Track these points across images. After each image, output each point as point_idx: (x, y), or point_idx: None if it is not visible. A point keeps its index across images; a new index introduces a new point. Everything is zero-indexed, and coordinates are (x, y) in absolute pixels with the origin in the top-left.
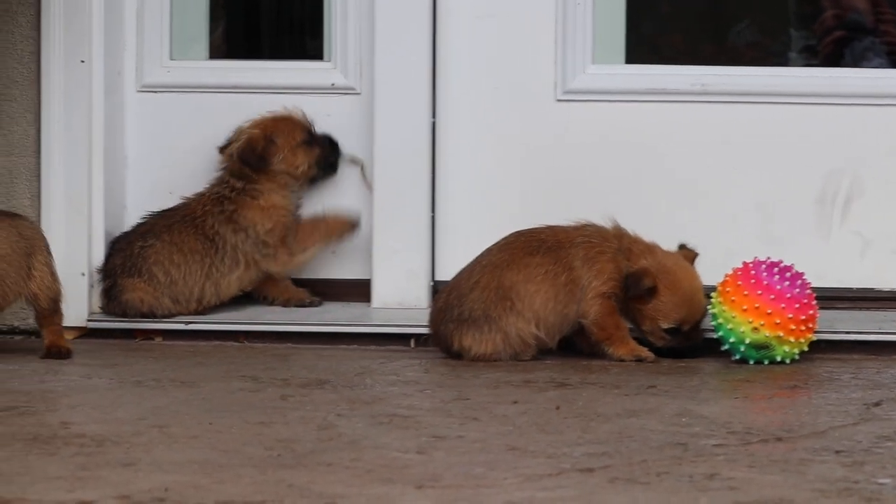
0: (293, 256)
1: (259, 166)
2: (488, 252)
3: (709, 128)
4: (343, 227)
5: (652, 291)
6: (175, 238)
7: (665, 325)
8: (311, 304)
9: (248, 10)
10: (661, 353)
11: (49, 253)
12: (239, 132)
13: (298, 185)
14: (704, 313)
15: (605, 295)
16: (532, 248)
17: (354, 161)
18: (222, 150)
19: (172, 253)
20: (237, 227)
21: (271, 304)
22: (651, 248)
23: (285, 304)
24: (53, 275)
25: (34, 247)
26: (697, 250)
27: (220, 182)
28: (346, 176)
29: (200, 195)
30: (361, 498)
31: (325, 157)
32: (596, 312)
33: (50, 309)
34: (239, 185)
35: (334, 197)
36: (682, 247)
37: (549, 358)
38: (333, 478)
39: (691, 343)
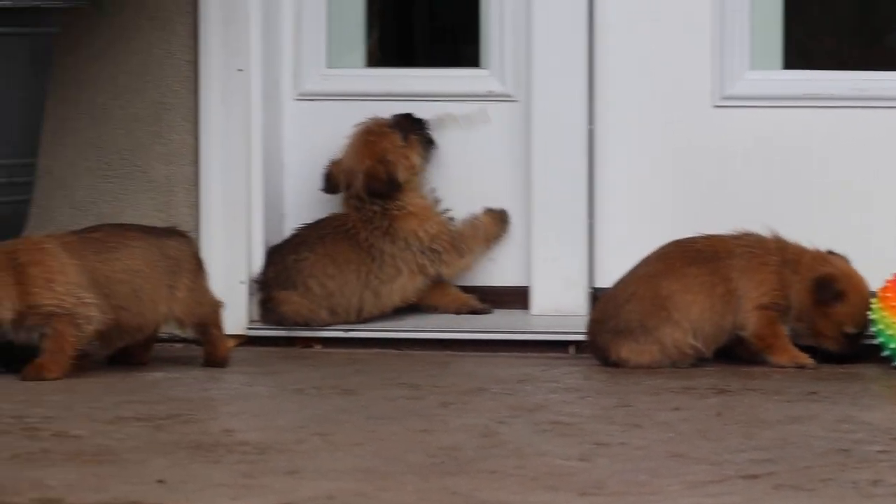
0: (462, 258)
1: (393, 190)
2: (645, 262)
3: (867, 133)
4: (498, 225)
5: (840, 296)
6: (329, 249)
7: (849, 330)
8: (482, 312)
9: (402, 17)
10: (822, 359)
11: (197, 273)
12: (334, 168)
13: (421, 178)
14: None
15: (765, 307)
16: (689, 258)
17: (445, 119)
18: (326, 190)
19: (327, 265)
20: (395, 238)
21: (443, 313)
22: (822, 256)
23: (457, 311)
24: (201, 296)
25: (180, 267)
26: (847, 257)
27: (355, 207)
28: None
29: (348, 212)
30: None
31: (423, 138)
32: (755, 324)
33: (199, 329)
34: (376, 207)
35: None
36: (831, 253)
37: (708, 364)
38: (497, 485)
39: (858, 347)
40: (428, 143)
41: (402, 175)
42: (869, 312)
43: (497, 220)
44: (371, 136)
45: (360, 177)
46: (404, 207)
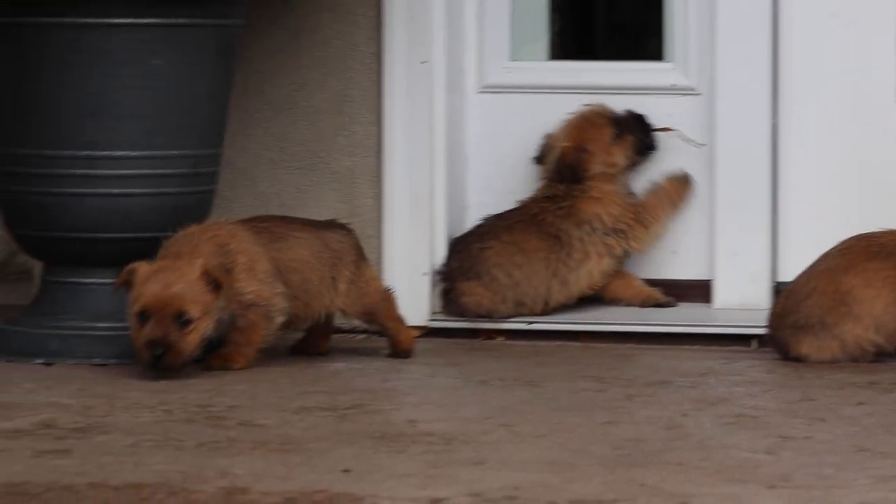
0: (649, 229)
1: (577, 179)
2: (825, 257)
3: None
4: (683, 188)
5: None
6: (516, 238)
7: None
8: (666, 304)
9: (582, 10)
10: None
11: (359, 264)
12: (549, 141)
13: (622, 176)
14: None
15: None
16: (872, 252)
17: (665, 130)
18: (538, 160)
19: (514, 254)
20: (580, 221)
21: (626, 305)
22: None
23: (641, 304)
24: (365, 286)
25: (341, 259)
26: None
27: (546, 187)
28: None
29: (532, 197)
30: (713, 498)
31: (639, 142)
32: None
33: (367, 319)
34: (563, 189)
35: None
36: None
37: (892, 359)
38: (683, 477)
39: None
40: (644, 149)
41: (595, 168)
42: None
43: (680, 184)
44: (584, 122)
45: (556, 156)
46: (588, 192)
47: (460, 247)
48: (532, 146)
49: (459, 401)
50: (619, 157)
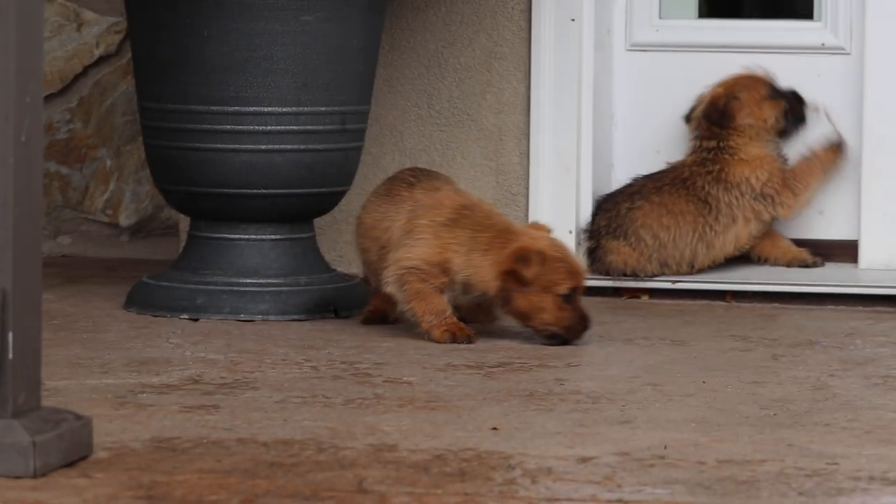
0: (797, 196)
1: (723, 123)
2: None
3: None
4: (835, 155)
5: None
6: (665, 200)
7: None
8: (813, 265)
9: None
10: None
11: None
12: (700, 98)
13: (771, 138)
14: None
15: None
16: None
17: (816, 109)
18: (688, 118)
19: (662, 215)
20: (728, 186)
21: (773, 265)
22: None
23: (788, 264)
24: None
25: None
26: None
27: (695, 150)
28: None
29: (683, 161)
30: (862, 458)
31: (791, 108)
32: None
33: None
34: (713, 144)
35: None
36: None
37: None
38: (831, 438)
39: None
40: (794, 118)
41: (744, 119)
42: None
43: (833, 150)
44: (741, 78)
45: (707, 99)
46: (737, 153)
47: (608, 205)
48: (679, 105)
49: (606, 360)
50: (770, 114)
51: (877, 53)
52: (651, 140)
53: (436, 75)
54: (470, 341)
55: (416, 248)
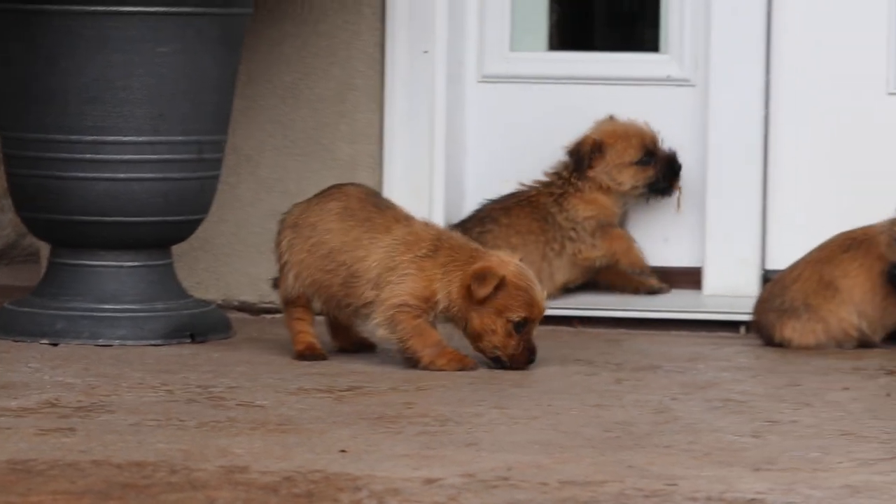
0: (592, 250)
1: (577, 167)
2: (809, 252)
3: None
4: (636, 266)
5: None
6: (512, 220)
7: None
8: (659, 291)
9: (581, 2)
10: None
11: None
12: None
13: (623, 198)
14: None
15: None
16: (846, 245)
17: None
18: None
19: (510, 235)
20: (562, 209)
21: (621, 292)
22: None
23: (635, 290)
24: None
25: None
26: None
27: (553, 173)
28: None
29: (532, 184)
30: (700, 479)
31: (657, 180)
32: None
33: None
34: (566, 175)
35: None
36: None
37: (876, 346)
38: (672, 459)
39: None
40: (656, 190)
41: (599, 174)
42: None
43: (637, 262)
44: (622, 130)
45: (579, 138)
46: (582, 190)
47: (461, 230)
48: (529, 134)
49: (454, 383)
50: (628, 181)
51: (720, 85)
52: (502, 169)
53: (291, 106)
54: (475, 367)
55: (403, 285)
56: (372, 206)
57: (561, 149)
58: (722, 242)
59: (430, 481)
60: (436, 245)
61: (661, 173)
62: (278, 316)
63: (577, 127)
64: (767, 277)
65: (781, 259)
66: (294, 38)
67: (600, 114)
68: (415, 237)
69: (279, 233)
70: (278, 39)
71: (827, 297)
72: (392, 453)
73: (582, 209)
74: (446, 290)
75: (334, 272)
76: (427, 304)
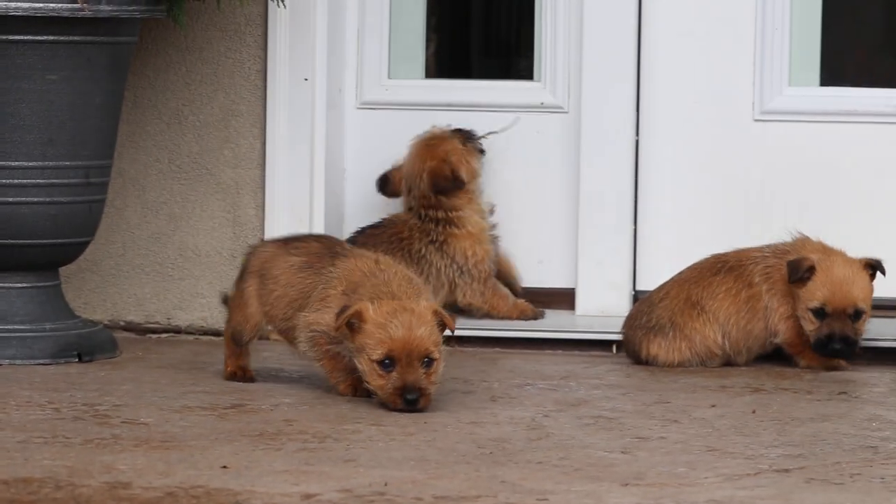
0: (483, 303)
1: (458, 187)
2: (680, 272)
3: None
4: (525, 314)
5: (810, 272)
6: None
7: (813, 305)
8: (534, 317)
9: (459, 31)
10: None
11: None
12: (398, 171)
13: (478, 184)
14: (854, 305)
15: (791, 316)
16: (717, 268)
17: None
18: (381, 190)
19: None
20: (445, 255)
21: (502, 318)
22: (823, 247)
23: (518, 318)
24: None
25: None
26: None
27: (416, 211)
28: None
29: (403, 218)
30: (570, 494)
31: (477, 149)
32: (784, 333)
33: None
34: (441, 213)
35: (543, 200)
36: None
37: (742, 365)
38: (543, 475)
39: (840, 333)
40: (480, 153)
41: (464, 174)
42: (840, 294)
43: (526, 310)
44: (433, 140)
45: (425, 176)
46: (463, 225)
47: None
48: None
49: (334, 400)
50: (474, 161)
51: (592, 112)
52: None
53: (176, 131)
54: (368, 395)
55: (322, 314)
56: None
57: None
58: (594, 265)
59: (308, 496)
60: (360, 281)
61: (472, 141)
62: (164, 336)
63: None
64: (637, 298)
65: (652, 281)
66: (179, 66)
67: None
68: (350, 269)
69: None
70: (164, 67)
71: (693, 316)
72: (272, 469)
73: (471, 250)
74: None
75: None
76: (339, 336)
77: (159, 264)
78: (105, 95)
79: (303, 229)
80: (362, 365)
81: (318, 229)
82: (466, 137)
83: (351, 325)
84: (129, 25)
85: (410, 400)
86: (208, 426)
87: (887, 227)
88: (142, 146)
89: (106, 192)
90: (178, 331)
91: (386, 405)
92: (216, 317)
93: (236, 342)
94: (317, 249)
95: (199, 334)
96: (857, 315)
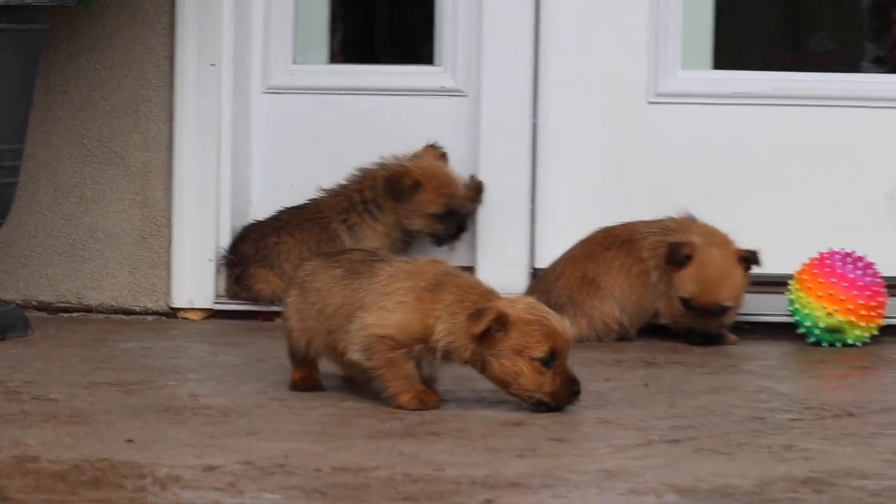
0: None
1: (398, 199)
2: (571, 248)
3: (789, 129)
4: None
5: (688, 259)
6: (305, 237)
7: (683, 295)
8: None
9: (364, 19)
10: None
11: None
12: (398, 161)
13: (407, 234)
14: (719, 304)
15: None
16: (608, 243)
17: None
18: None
19: (302, 251)
20: (353, 236)
21: None
22: (708, 231)
23: None
24: None
25: None
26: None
27: (352, 189)
28: None
29: (326, 200)
30: (466, 465)
31: (443, 236)
32: (664, 310)
33: None
34: (367, 196)
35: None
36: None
37: (637, 340)
38: (440, 447)
39: (701, 330)
40: (438, 239)
41: (400, 210)
42: (708, 289)
43: None
44: (440, 175)
45: (397, 167)
46: (377, 219)
47: (255, 236)
48: (312, 143)
49: (239, 377)
50: (421, 227)
51: (491, 96)
52: (286, 176)
53: (87, 116)
54: (437, 406)
55: (393, 315)
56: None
57: (346, 157)
58: (493, 243)
59: (210, 468)
60: (439, 281)
61: (449, 231)
62: (75, 315)
63: (360, 136)
64: (535, 276)
65: (549, 259)
66: (90, 52)
67: (383, 125)
68: (416, 269)
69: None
70: (75, 53)
71: (590, 294)
72: (176, 442)
73: (371, 239)
74: (447, 330)
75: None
76: (413, 341)
77: (70, 245)
78: (17, 81)
79: (210, 212)
80: (517, 366)
81: (225, 212)
82: (441, 220)
83: (487, 329)
84: (40, 13)
85: (577, 392)
86: (116, 402)
87: (779, 207)
88: (53, 130)
89: (18, 175)
90: (89, 310)
91: (539, 406)
92: (125, 296)
93: (292, 356)
94: (359, 257)
95: (110, 313)
96: (723, 312)
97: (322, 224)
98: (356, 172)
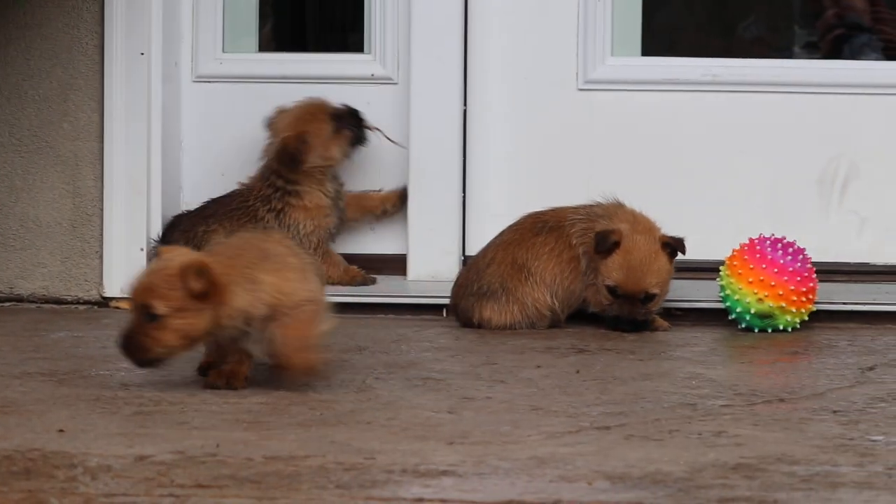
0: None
1: (295, 167)
2: (501, 234)
3: (719, 115)
4: (355, 279)
5: (615, 246)
6: (234, 226)
7: (610, 283)
8: (365, 283)
9: (294, 7)
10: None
11: None
12: (273, 128)
13: (337, 170)
14: (645, 291)
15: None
16: (537, 228)
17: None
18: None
19: None
20: (282, 224)
21: (334, 284)
22: (633, 217)
23: (349, 283)
24: None
25: None
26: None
27: (265, 176)
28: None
29: (251, 186)
30: (397, 453)
31: (354, 136)
32: (591, 297)
33: None
34: (281, 182)
35: (377, 174)
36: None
37: (569, 327)
38: (371, 435)
39: (627, 317)
40: (357, 142)
41: (313, 160)
42: (631, 277)
43: (355, 275)
44: (305, 115)
45: (278, 143)
46: (302, 198)
47: (186, 225)
48: (243, 130)
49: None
50: (336, 151)
51: (420, 83)
52: (217, 164)
53: (17, 105)
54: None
55: None
56: None
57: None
58: (425, 231)
59: (141, 458)
60: None
61: (354, 130)
62: (6, 304)
63: None
64: (467, 263)
65: (480, 246)
66: (19, 42)
67: None
68: None
69: None
70: (3, 42)
71: (522, 280)
72: (107, 432)
73: (303, 222)
74: None
75: None
76: None
77: (1, 235)
78: None
79: (140, 200)
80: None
81: (156, 200)
82: (346, 124)
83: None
84: None
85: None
86: (47, 391)
87: (710, 193)
88: None
89: None
90: (20, 299)
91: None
92: (57, 286)
93: None
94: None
95: (41, 303)
96: (649, 298)
97: (250, 212)
98: (261, 156)
